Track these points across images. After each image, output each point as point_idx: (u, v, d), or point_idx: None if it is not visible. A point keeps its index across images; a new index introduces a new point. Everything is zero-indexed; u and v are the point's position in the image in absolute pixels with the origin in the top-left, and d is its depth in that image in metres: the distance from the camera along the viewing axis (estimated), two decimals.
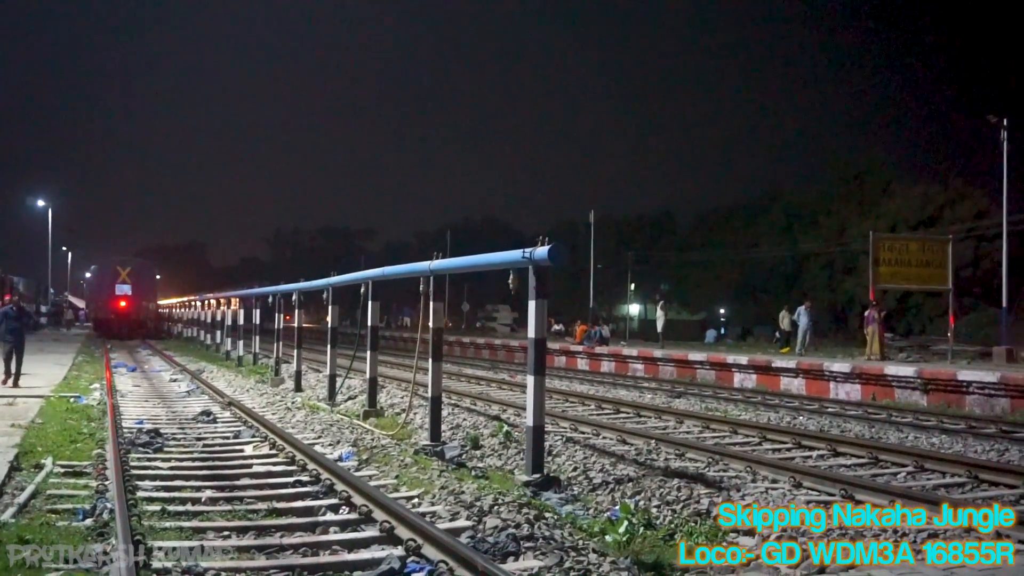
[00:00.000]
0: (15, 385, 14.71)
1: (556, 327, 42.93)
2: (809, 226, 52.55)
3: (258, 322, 25.06)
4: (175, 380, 18.84)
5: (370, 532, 6.08)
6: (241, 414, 12.38)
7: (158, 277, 52.27)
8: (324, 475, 7.72)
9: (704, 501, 7.26)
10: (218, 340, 30.33)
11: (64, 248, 79.63)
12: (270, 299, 24.20)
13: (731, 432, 11.74)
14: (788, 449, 10.48)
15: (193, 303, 40.66)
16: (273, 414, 13.00)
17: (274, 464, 8.71)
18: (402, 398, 14.70)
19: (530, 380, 8.31)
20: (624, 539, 5.97)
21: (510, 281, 8.64)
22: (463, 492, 7.32)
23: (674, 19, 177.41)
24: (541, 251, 7.96)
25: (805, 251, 50.01)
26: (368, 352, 13.54)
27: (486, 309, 66.54)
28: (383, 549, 5.66)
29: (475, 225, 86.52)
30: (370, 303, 13.57)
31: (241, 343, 25.74)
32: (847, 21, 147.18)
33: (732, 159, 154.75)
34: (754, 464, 8.88)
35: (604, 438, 11.03)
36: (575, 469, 8.78)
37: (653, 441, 10.44)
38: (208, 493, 7.24)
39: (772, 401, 16.72)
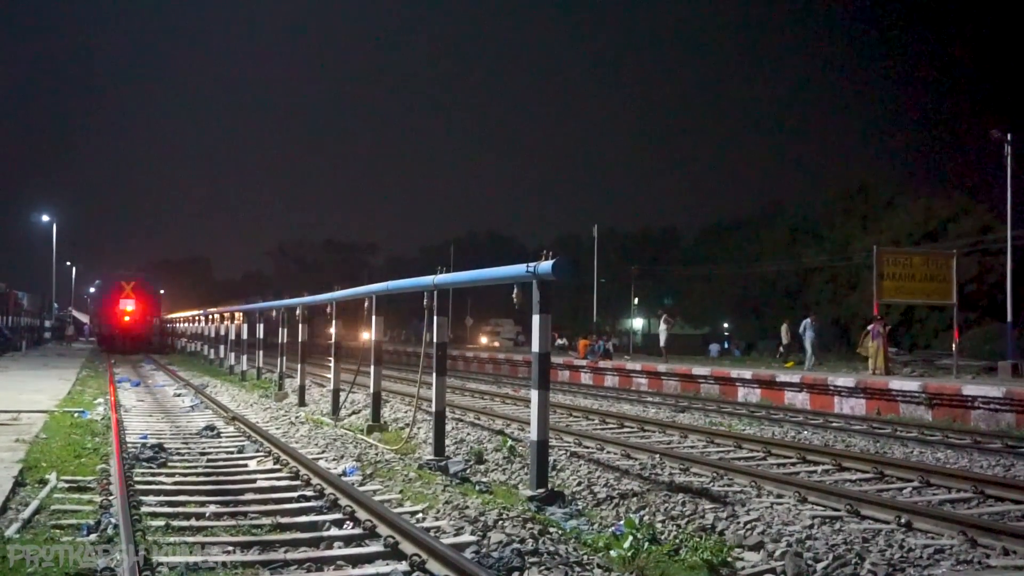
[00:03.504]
0: None
1: (559, 341, 42.91)
2: (812, 240, 52.62)
3: (262, 336, 25.08)
4: (179, 395, 18.84)
5: (374, 547, 6.07)
6: (245, 429, 12.37)
7: (162, 292, 52.38)
8: (328, 490, 7.71)
9: (709, 516, 7.24)
10: (222, 355, 30.34)
11: (68, 263, 79.94)
12: (274, 313, 24.21)
13: (735, 447, 11.71)
14: (793, 464, 10.45)
15: (197, 318, 40.71)
16: (277, 429, 12.99)
17: (278, 479, 8.70)
18: (406, 412, 14.69)
19: (534, 394, 8.30)
20: (629, 554, 5.96)
21: (514, 295, 8.65)
22: (467, 507, 7.30)
23: (678, 32, 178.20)
24: (545, 265, 7.97)
25: (808, 265, 50.02)
26: (372, 366, 13.54)
27: (490, 323, 66.45)
28: (387, 564, 5.65)
29: (479, 239, 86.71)
30: (374, 318, 13.59)
31: (245, 358, 25.75)
32: (852, 35, 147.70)
33: (735, 173, 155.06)
34: (759, 479, 8.85)
35: (608, 453, 11.01)
36: (579, 484, 8.76)
37: (657, 456, 10.42)
38: (212, 508, 7.23)
39: (776, 415, 16.67)
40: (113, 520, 6.43)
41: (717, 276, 58.44)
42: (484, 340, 59.75)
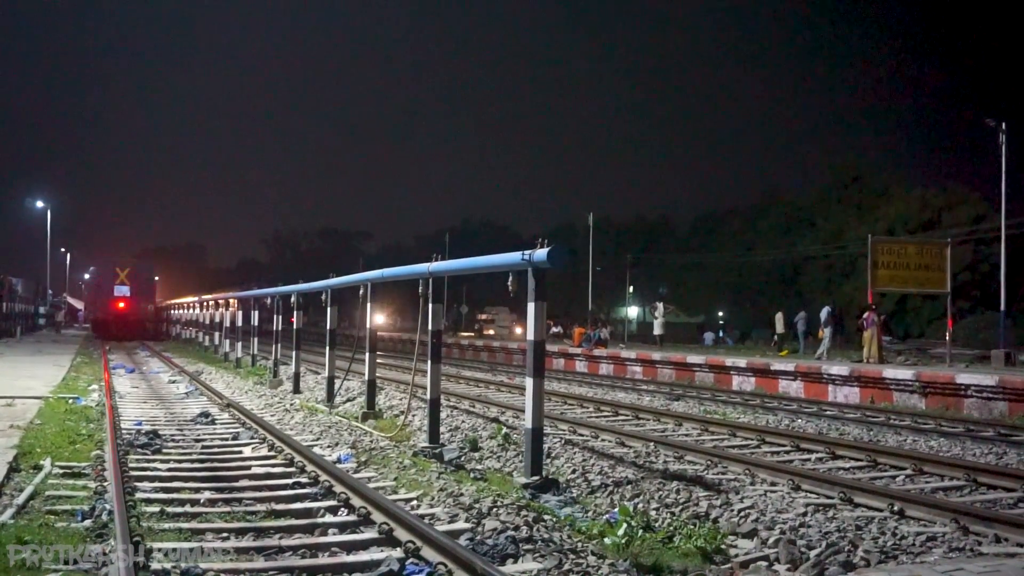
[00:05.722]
0: None
1: (554, 329, 42.94)
2: (807, 229, 52.66)
3: (256, 324, 25.04)
4: (173, 381, 18.82)
5: (369, 534, 6.08)
6: (240, 415, 12.36)
7: (156, 278, 52.25)
8: (323, 477, 7.71)
9: (703, 504, 7.26)
10: (216, 342, 30.30)
11: (63, 249, 79.67)
12: (268, 301, 24.16)
13: (730, 435, 11.74)
14: (787, 452, 10.48)
15: (192, 304, 40.65)
16: (272, 416, 12.99)
17: (273, 465, 8.70)
18: (401, 400, 14.70)
19: (529, 382, 8.31)
20: (623, 541, 5.98)
21: (509, 283, 8.64)
22: (462, 494, 7.32)
23: (673, 21, 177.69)
24: (540, 253, 7.96)
25: (803, 254, 50.09)
26: (367, 354, 13.53)
27: (485, 311, 66.41)
28: (382, 551, 5.66)
29: (474, 227, 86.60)
30: (369, 305, 13.58)
31: (240, 345, 25.72)
32: (846, 24, 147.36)
33: (730, 162, 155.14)
34: (753, 467, 8.88)
35: (603, 440, 11.03)
36: (574, 471, 8.78)
37: (652, 443, 10.44)
38: (207, 494, 7.23)
39: (771, 404, 16.71)
40: (108, 506, 6.42)
41: (712, 265, 58.47)
42: (492, 332, 57.78)
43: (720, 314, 63.70)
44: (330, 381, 15.35)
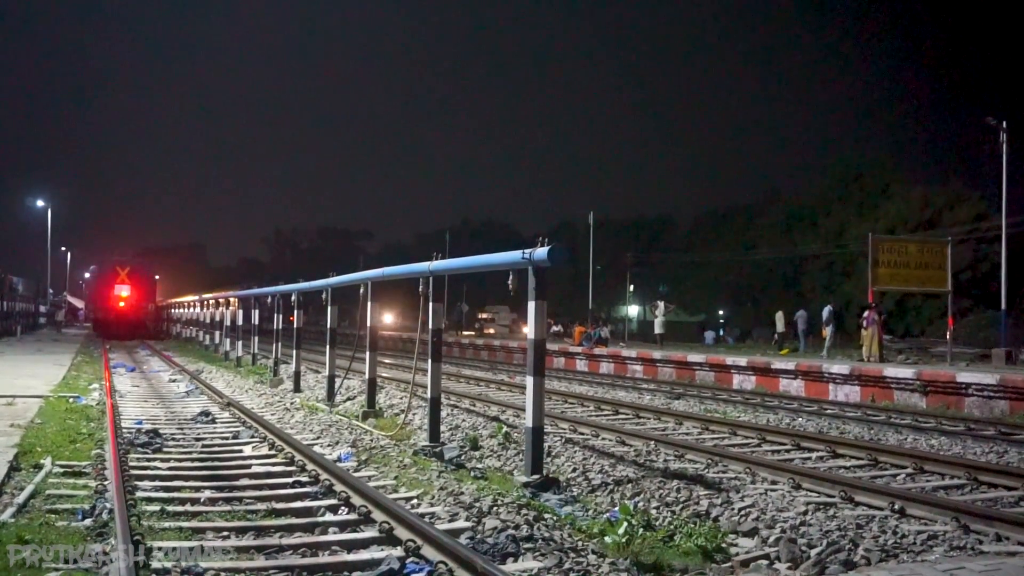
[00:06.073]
0: None
1: (555, 328, 42.91)
2: (808, 228, 52.56)
3: (257, 323, 25.03)
4: (174, 380, 18.82)
5: (369, 533, 6.07)
6: (240, 414, 12.36)
7: (157, 277, 52.23)
8: (323, 475, 7.71)
9: (704, 502, 7.25)
10: (217, 341, 30.29)
11: (63, 248, 79.66)
12: (269, 300, 24.13)
13: (730, 433, 11.73)
14: (787, 450, 10.48)
15: (193, 303, 40.62)
16: (272, 415, 12.99)
17: (273, 464, 8.70)
18: (401, 399, 14.69)
19: (529, 381, 8.30)
20: (623, 540, 5.97)
21: (509, 282, 8.63)
22: (462, 493, 7.31)
23: (673, 21, 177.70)
24: (541, 252, 7.95)
25: (804, 253, 50.01)
26: (367, 353, 13.53)
27: (486, 310, 66.34)
28: (382, 550, 5.66)
29: (474, 226, 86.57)
30: (369, 304, 13.57)
31: (240, 344, 25.71)
32: (847, 22, 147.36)
33: (731, 160, 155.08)
34: (753, 465, 8.87)
35: (603, 439, 11.03)
36: (574, 470, 8.78)
37: (652, 442, 10.43)
38: (207, 493, 7.23)
39: (771, 403, 16.71)
40: (108, 505, 6.42)
41: (712, 264, 58.40)
42: (492, 331, 57.41)
43: (721, 313, 63.69)
44: (330, 380, 15.35)
